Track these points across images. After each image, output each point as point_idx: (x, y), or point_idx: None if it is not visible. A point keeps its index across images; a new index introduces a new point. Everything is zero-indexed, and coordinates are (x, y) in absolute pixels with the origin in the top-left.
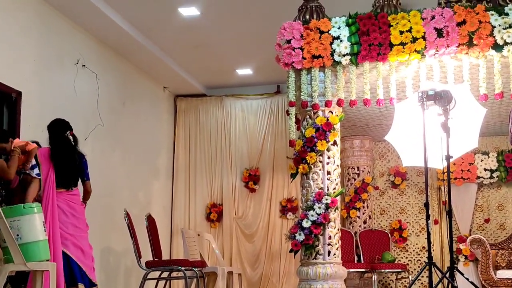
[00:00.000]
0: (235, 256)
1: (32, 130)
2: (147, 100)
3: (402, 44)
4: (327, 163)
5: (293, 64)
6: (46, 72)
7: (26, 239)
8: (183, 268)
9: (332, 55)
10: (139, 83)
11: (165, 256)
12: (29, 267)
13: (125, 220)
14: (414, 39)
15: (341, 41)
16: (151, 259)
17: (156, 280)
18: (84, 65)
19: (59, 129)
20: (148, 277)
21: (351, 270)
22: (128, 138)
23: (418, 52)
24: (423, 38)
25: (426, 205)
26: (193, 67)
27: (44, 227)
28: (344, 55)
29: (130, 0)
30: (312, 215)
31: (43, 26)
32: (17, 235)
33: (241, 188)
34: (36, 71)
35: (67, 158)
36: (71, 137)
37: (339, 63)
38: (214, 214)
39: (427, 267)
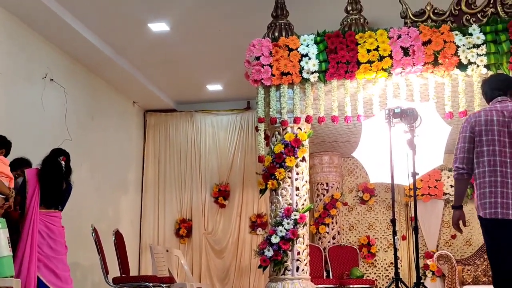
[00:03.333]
0: (205, 272)
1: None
2: (117, 114)
3: (370, 62)
4: (296, 179)
5: (262, 81)
6: (13, 86)
7: None
8: (151, 285)
9: (300, 72)
10: (109, 98)
11: (133, 272)
12: None
13: (92, 235)
14: (381, 58)
15: (309, 58)
16: (119, 275)
17: None
18: (52, 79)
19: (53, 154)
20: None
21: (320, 286)
22: (96, 153)
23: (385, 70)
24: (390, 56)
25: (393, 221)
26: (163, 82)
27: (9, 243)
28: (312, 73)
29: (99, 14)
30: (281, 231)
31: (10, 40)
32: None
33: (211, 204)
34: (2, 85)
35: (54, 179)
36: (62, 162)
37: (307, 80)
38: (184, 229)
39: (394, 283)
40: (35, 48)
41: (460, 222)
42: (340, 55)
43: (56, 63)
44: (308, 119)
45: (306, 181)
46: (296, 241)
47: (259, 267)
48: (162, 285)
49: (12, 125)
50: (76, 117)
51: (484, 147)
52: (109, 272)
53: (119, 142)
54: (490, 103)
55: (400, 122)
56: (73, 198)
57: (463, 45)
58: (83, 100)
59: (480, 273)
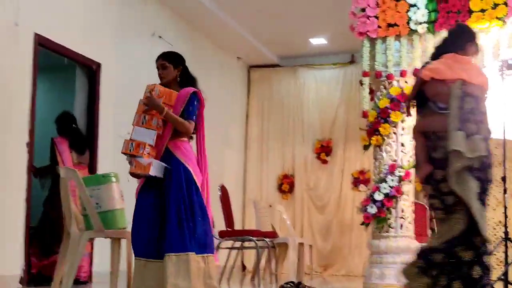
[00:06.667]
0: (306, 228)
1: (112, 101)
2: (221, 71)
3: (482, 10)
4: (401, 135)
5: (367, 33)
6: (124, 43)
7: (105, 207)
8: (255, 239)
9: (408, 23)
10: (213, 54)
11: (237, 226)
12: (107, 235)
13: None
14: (495, 5)
15: (418, 8)
16: (224, 229)
17: (228, 250)
18: (160, 37)
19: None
20: (220, 246)
21: (424, 244)
22: None
23: (499, 19)
24: (505, 4)
25: (504, 178)
26: (266, 37)
27: (122, 196)
28: (420, 23)
29: None
30: (385, 188)
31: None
32: (97, 203)
33: (313, 160)
34: (114, 43)
35: None
36: None
37: (415, 31)
38: (286, 185)
39: (503, 242)
40: (143, 6)
41: None
42: (450, 4)
43: (163, 20)
44: (415, 72)
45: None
46: (400, 198)
47: (362, 224)
48: (265, 239)
49: (123, 81)
50: None
51: None
52: (215, 226)
53: (224, 98)
54: None
55: None
56: None
57: None
58: (188, 56)
59: None
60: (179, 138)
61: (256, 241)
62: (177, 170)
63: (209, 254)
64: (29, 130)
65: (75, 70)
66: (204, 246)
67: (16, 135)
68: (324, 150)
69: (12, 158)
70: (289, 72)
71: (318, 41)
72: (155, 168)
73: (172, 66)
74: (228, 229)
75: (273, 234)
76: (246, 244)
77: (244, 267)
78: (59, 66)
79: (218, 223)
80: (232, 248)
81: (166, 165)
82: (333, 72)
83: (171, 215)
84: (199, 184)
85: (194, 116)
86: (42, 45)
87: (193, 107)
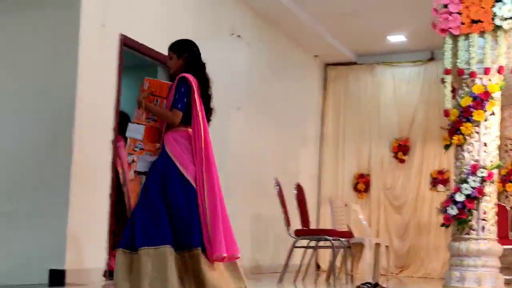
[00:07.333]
0: (382, 228)
1: None
2: (298, 69)
3: None
4: (484, 134)
5: (450, 30)
6: (203, 43)
7: None
8: (331, 238)
9: (493, 19)
10: (290, 52)
11: (312, 225)
12: None
13: (276, 188)
14: None
15: (504, 3)
16: (299, 227)
17: (303, 248)
18: (239, 36)
19: (200, 53)
20: (296, 245)
21: (506, 246)
22: (278, 107)
23: None
24: None
25: None
26: (344, 34)
27: None
28: (506, 19)
29: None
30: (466, 189)
31: None
32: None
33: (390, 159)
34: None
35: (210, 93)
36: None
37: (500, 27)
38: (362, 184)
39: None
40: (222, 5)
41: None
42: None
43: (242, 19)
44: (500, 70)
45: (496, 136)
46: (482, 200)
47: (442, 225)
48: (341, 239)
49: None
50: (259, 72)
51: None
52: (290, 224)
53: (300, 96)
54: None
55: None
56: (255, 152)
57: None
58: (266, 54)
59: None
60: (174, 129)
61: (332, 241)
62: (157, 162)
63: (192, 249)
64: (113, 128)
65: (157, 69)
66: (184, 240)
67: (102, 133)
68: (401, 149)
69: (97, 155)
70: (366, 70)
71: (397, 39)
72: (141, 164)
73: (176, 55)
74: (304, 227)
75: (349, 234)
76: (321, 243)
77: (318, 267)
78: (142, 65)
79: (294, 222)
80: (307, 247)
81: (153, 159)
82: (412, 70)
83: (136, 208)
84: (189, 177)
85: (180, 104)
86: (127, 45)
87: (179, 95)
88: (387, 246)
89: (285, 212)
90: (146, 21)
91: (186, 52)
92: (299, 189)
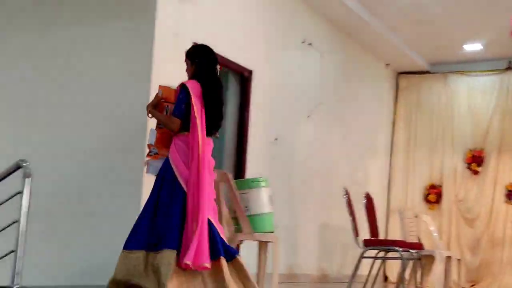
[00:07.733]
0: (453, 241)
1: (261, 107)
2: (369, 78)
3: None
4: None
5: None
6: (275, 51)
7: (254, 211)
8: (400, 249)
9: None
10: (362, 61)
11: (381, 236)
12: (256, 238)
13: (345, 198)
14: None
15: None
16: (368, 237)
17: (372, 259)
18: (310, 44)
19: (213, 59)
20: (364, 255)
21: None
22: (348, 116)
23: None
24: None
25: None
26: (417, 43)
27: (271, 201)
28: None
29: None
30: None
31: (271, 7)
32: (246, 206)
33: (463, 170)
34: (265, 50)
35: (218, 99)
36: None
37: None
38: (433, 195)
39: None
40: (294, 13)
41: None
42: None
43: (313, 28)
44: None
45: None
46: None
47: None
48: (410, 250)
49: (272, 88)
50: (330, 81)
51: None
52: (359, 234)
53: (371, 105)
54: None
55: None
56: (325, 160)
57: None
58: (337, 63)
59: None
60: (176, 134)
61: (402, 252)
62: (162, 166)
63: (164, 250)
64: None
65: (228, 77)
66: (160, 240)
67: None
68: (475, 161)
69: None
70: (439, 79)
71: (473, 47)
72: (152, 168)
73: (190, 61)
74: (373, 238)
75: (419, 246)
76: (390, 254)
77: (386, 278)
78: None
79: (362, 232)
80: (375, 257)
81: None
82: (488, 79)
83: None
84: (181, 181)
85: (177, 111)
86: None
87: (178, 101)
88: (458, 260)
89: (354, 221)
90: (217, 30)
91: (196, 58)
92: (368, 198)
